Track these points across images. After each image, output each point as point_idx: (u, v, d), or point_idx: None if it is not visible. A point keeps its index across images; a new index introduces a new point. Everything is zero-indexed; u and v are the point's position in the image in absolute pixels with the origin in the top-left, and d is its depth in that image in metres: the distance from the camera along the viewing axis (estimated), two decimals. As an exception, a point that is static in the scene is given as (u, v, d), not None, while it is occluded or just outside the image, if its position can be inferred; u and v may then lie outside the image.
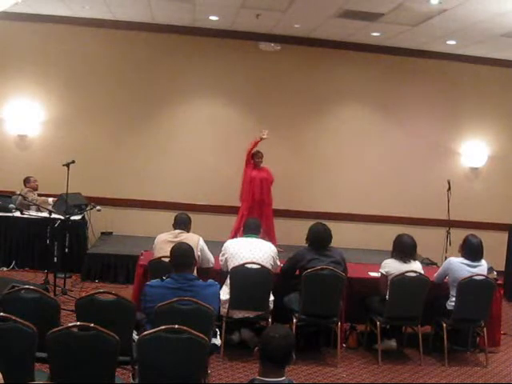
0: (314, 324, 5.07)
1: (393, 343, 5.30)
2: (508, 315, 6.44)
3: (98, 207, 6.73)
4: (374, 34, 7.64)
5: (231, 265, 4.82)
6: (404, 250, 5.05)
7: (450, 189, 7.77)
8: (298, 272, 4.99)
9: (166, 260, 4.28)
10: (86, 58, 8.03)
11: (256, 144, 7.44)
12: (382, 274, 5.07)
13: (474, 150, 8.66)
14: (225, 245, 5.01)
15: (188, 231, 4.97)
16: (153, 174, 8.24)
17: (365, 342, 5.35)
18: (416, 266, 5.04)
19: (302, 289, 4.83)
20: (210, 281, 4.05)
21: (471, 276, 4.96)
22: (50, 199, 7.22)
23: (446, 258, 6.28)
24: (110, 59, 8.12)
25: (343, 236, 6.91)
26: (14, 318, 3.03)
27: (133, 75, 8.15)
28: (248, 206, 7.46)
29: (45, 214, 6.39)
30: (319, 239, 5.00)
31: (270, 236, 7.26)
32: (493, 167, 8.73)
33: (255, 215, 7.00)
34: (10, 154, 7.99)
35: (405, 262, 5.01)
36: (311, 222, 5.22)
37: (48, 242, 6.37)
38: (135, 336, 3.70)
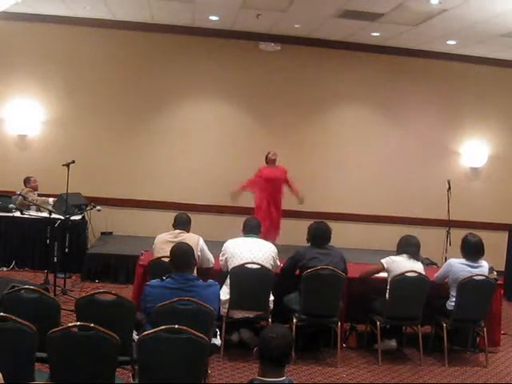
0: (314, 324, 5.06)
1: (393, 343, 5.30)
2: (508, 315, 6.44)
3: (98, 207, 6.74)
4: (374, 33, 7.64)
5: (231, 265, 4.82)
6: (410, 250, 5.05)
7: (450, 189, 7.78)
8: (298, 272, 4.99)
9: (166, 260, 4.28)
10: (86, 58, 8.03)
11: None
12: (382, 264, 5.05)
13: (474, 150, 8.66)
14: (225, 245, 5.01)
15: (188, 231, 4.97)
16: (153, 174, 8.24)
17: (365, 342, 5.34)
18: (418, 267, 5.04)
19: (302, 289, 4.83)
20: (210, 281, 4.05)
21: (471, 276, 4.96)
22: (50, 199, 7.22)
23: (446, 258, 6.30)
24: (109, 59, 8.12)
25: (344, 236, 6.91)
26: (14, 317, 3.03)
27: (133, 75, 8.15)
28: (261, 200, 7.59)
29: (45, 214, 6.39)
30: (319, 235, 5.00)
31: (272, 233, 7.48)
32: (493, 167, 8.74)
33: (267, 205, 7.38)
34: (10, 154, 8.00)
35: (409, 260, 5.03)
36: (312, 222, 5.22)
37: (48, 242, 6.37)
38: (135, 336, 3.69)
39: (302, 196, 7.65)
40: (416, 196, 8.58)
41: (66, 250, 6.51)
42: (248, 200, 7.79)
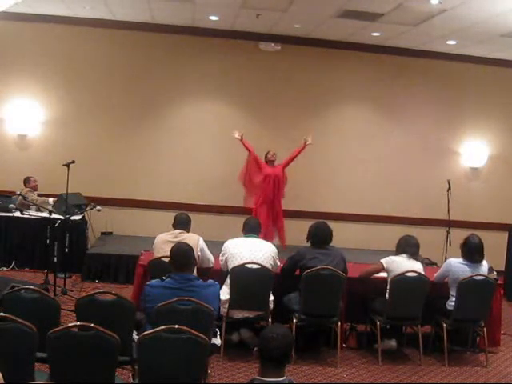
0: (314, 324, 5.06)
1: (393, 343, 5.30)
2: (508, 315, 6.44)
3: (98, 207, 6.74)
4: (374, 33, 7.64)
5: (231, 265, 4.82)
6: (409, 250, 5.06)
7: (449, 189, 7.80)
8: (298, 272, 4.99)
9: (166, 260, 4.28)
10: (86, 58, 8.03)
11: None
12: (382, 264, 5.06)
13: (474, 150, 8.66)
14: (225, 245, 5.01)
15: (188, 231, 4.97)
16: (153, 174, 8.24)
17: (365, 342, 5.35)
18: (418, 267, 5.05)
19: (302, 289, 4.83)
20: (210, 281, 4.05)
21: (471, 276, 4.96)
22: (51, 199, 7.22)
23: (445, 258, 6.29)
24: (109, 59, 8.12)
25: (344, 236, 6.91)
26: (14, 318, 3.03)
27: (132, 75, 8.15)
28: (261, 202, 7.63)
29: (45, 214, 6.39)
30: (319, 235, 5.00)
31: (280, 236, 7.62)
32: (493, 167, 8.74)
33: (266, 212, 7.41)
34: (9, 154, 7.99)
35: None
36: (312, 222, 5.22)
37: (48, 242, 6.36)
38: (135, 336, 3.70)
39: (305, 139, 7.67)
40: (416, 196, 8.58)
41: (66, 250, 6.49)
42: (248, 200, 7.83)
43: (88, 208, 7.01)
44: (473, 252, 5.08)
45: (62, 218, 6.41)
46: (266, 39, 8.19)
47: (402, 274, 4.91)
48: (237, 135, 7.64)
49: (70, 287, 6.37)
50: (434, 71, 8.54)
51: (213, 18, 7.53)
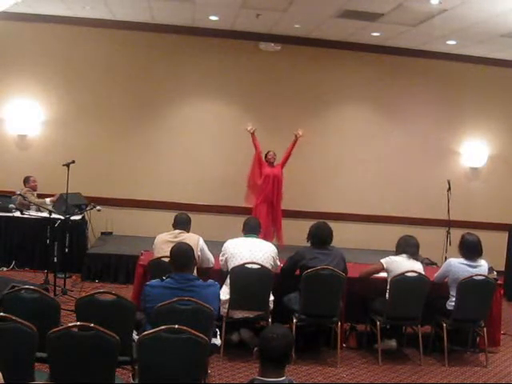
0: (314, 324, 5.07)
1: (393, 343, 5.30)
2: (508, 315, 6.44)
3: (98, 207, 6.75)
4: (374, 33, 7.65)
5: (231, 265, 4.82)
6: (409, 250, 5.06)
7: (449, 189, 7.81)
8: (298, 272, 4.99)
9: (166, 260, 4.28)
10: (86, 58, 8.03)
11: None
12: (381, 264, 5.06)
13: (473, 150, 8.67)
14: (225, 245, 5.00)
15: (188, 231, 4.97)
16: (153, 174, 8.25)
17: (365, 342, 5.34)
18: (418, 267, 5.05)
19: (302, 289, 4.83)
20: (210, 281, 4.05)
21: (471, 276, 4.96)
22: (48, 199, 7.23)
23: (445, 258, 6.29)
24: (110, 59, 8.12)
25: (344, 236, 6.91)
26: (14, 318, 3.03)
27: (133, 75, 8.15)
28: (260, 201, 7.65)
29: (45, 214, 6.39)
30: (320, 235, 5.00)
31: (277, 235, 7.63)
32: (493, 167, 8.74)
33: (266, 212, 7.46)
34: (9, 154, 7.99)
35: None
36: (312, 222, 5.22)
37: (48, 242, 6.36)
38: (135, 336, 3.69)
39: (295, 133, 7.68)
40: (416, 196, 8.58)
41: (66, 250, 6.49)
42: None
43: (88, 208, 7.02)
44: (471, 249, 5.08)
45: (62, 217, 6.42)
46: (266, 39, 8.19)
47: (402, 273, 4.90)
48: (249, 128, 7.60)
49: (70, 287, 6.38)
50: (434, 71, 8.55)
51: (213, 17, 7.53)
